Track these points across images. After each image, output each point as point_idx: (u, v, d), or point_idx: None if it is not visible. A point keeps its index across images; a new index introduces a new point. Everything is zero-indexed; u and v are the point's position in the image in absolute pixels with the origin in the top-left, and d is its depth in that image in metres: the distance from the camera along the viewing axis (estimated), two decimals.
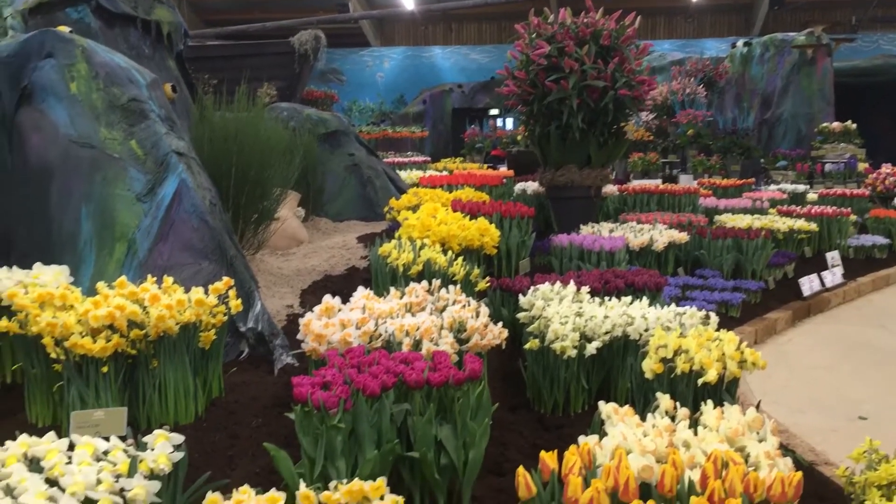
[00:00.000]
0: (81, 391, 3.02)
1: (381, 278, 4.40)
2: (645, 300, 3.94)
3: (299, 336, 3.35)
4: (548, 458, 2.05)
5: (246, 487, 2.06)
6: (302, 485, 2.07)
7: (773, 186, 11.25)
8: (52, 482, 2.23)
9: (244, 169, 5.15)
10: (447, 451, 2.61)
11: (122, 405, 3.07)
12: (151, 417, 3.12)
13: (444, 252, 4.63)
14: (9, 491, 2.19)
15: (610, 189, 8.35)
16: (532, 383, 3.68)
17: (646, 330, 3.59)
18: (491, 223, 5.27)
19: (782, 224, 7.49)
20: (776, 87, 16.05)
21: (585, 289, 4.12)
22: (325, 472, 2.47)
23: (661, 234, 6.35)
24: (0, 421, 3.34)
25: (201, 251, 4.03)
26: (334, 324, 3.27)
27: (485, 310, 3.56)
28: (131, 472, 2.30)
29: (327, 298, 3.44)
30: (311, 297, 4.87)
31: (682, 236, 6.48)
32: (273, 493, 2.03)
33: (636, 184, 9.39)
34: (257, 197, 5.36)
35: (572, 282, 4.23)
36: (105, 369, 3.02)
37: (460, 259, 4.42)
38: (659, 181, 10.60)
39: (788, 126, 15.72)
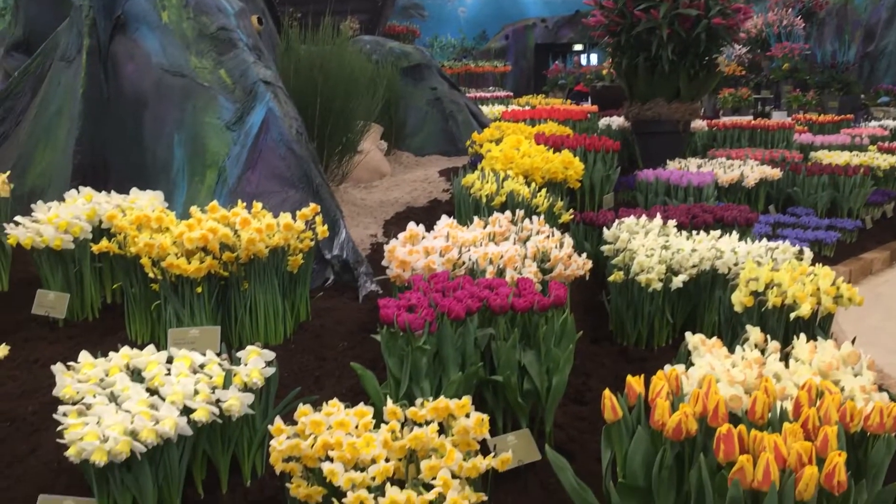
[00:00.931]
0: (177, 310, 3.14)
1: (463, 209, 4.39)
2: (734, 235, 3.83)
3: (384, 262, 3.39)
4: (634, 383, 2.03)
5: (335, 401, 2.11)
6: (389, 401, 2.11)
7: (873, 123, 10.69)
8: (152, 391, 2.35)
9: (328, 100, 5.17)
10: (530, 376, 2.62)
11: (216, 325, 3.18)
12: (242, 337, 3.22)
13: (527, 185, 4.59)
14: (113, 398, 2.31)
15: (698, 124, 8.08)
16: (615, 316, 3.65)
17: (735, 264, 3.50)
18: (575, 157, 5.18)
19: (883, 161, 7.12)
20: (880, 18, 15.12)
21: (672, 223, 4.03)
22: (409, 392, 2.52)
23: (752, 170, 6.14)
24: (102, 337, 3.52)
25: (288, 179, 4.10)
26: (418, 251, 3.30)
27: (569, 240, 3.53)
28: (226, 384, 2.39)
29: (411, 226, 3.46)
30: (393, 227, 4.92)
31: (774, 172, 6.25)
32: (361, 406, 2.08)
33: (726, 120, 9.06)
34: (341, 128, 5.39)
35: (658, 215, 4.15)
36: (199, 290, 3.13)
37: (544, 191, 4.38)
38: (750, 118, 10.20)
39: (892, 60, 14.84)
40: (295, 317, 3.44)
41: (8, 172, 4.13)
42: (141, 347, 2.56)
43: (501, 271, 3.17)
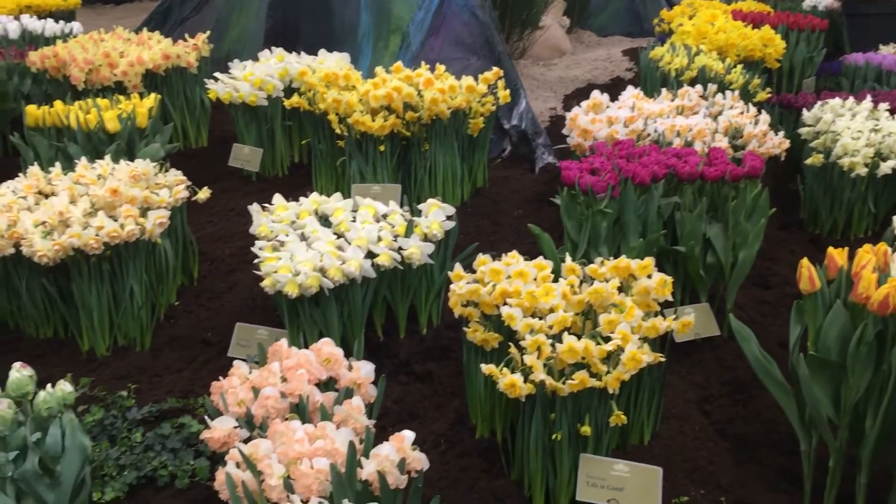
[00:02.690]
0: (361, 166, 3.23)
1: (650, 83, 4.19)
2: None
3: (564, 131, 3.31)
4: (836, 255, 1.89)
5: (514, 252, 2.11)
6: (568, 258, 2.09)
7: None
8: (338, 235, 2.45)
9: None
10: (715, 249, 2.51)
11: (396, 183, 3.25)
12: (421, 197, 3.28)
13: (721, 62, 4.28)
14: (304, 238, 2.44)
15: None
16: (809, 202, 3.40)
17: None
18: (775, 34, 4.76)
19: None
20: None
21: (884, 106, 3.65)
22: (586, 256, 2.48)
23: None
24: (290, 191, 3.69)
25: (470, 46, 4.05)
26: (601, 120, 3.19)
27: (765, 116, 3.28)
28: (408, 233, 2.46)
29: (595, 94, 3.34)
30: (573, 102, 4.78)
31: None
32: (541, 259, 2.08)
33: None
34: (524, 1, 5.23)
35: (869, 98, 3.76)
36: (382, 148, 3.20)
37: (739, 67, 4.08)
38: None
39: None
40: (472, 181, 3.46)
41: (208, 32, 4.33)
42: None
43: (689, 144, 3.01)
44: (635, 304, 1.94)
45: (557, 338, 1.84)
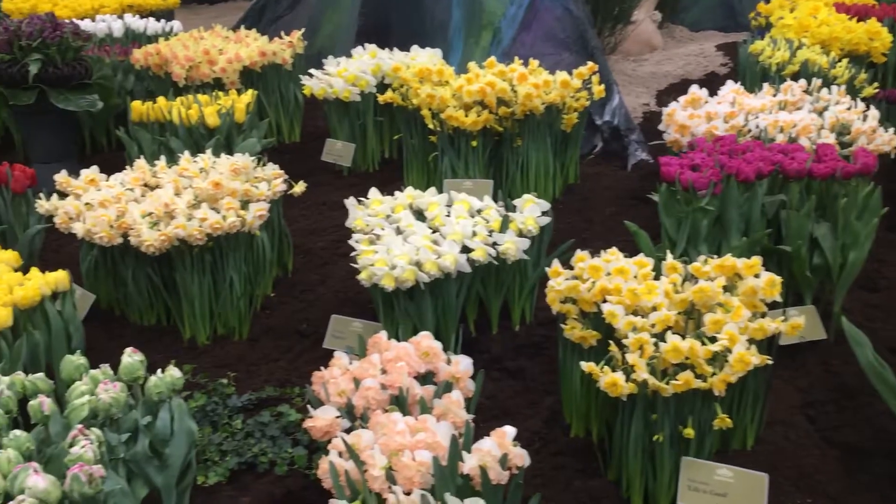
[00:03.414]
0: (453, 161, 3.23)
1: (749, 78, 4.06)
2: None
3: (661, 127, 3.24)
4: None
5: (614, 249, 2.08)
6: (669, 256, 2.04)
7: None
8: (433, 230, 2.45)
9: None
10: (822, 250, 2.41)
11: (488, 179, 3.24)
12: (512, 193, 3.26)
13: (825, 55, 4.12)
14: (399, 232, 2.45)
15: None
16: None
17: None
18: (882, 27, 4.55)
19: None
20: None
21: None
22: (685, 255, 2.42)
23: None
24: (382, 186, 3.71)
25: (563, 41, 4.00)
26: (700, 115, 3.10)
27: (874, 112, 3.14)
28: (503, 229, 2.44)
29: (694, 89, 3.25)
30: (667, 98, 4.67)
31: None
32: (642, 256, 2.03)
33: None
34: None
35: None
36: (474, 143, 3.19)
37: (844, 61, 3.91)
38: None
39: None
40: (564, 178, 3.42)
41: (303, 30, 4.40)
42: None
43: (793, 141, 2.90)
44: (741, 304, 1.87)
45: (659, 337, 1.79)
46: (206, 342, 2.63)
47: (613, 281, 1.94)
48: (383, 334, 1.86)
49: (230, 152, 3.35)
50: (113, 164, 3.43)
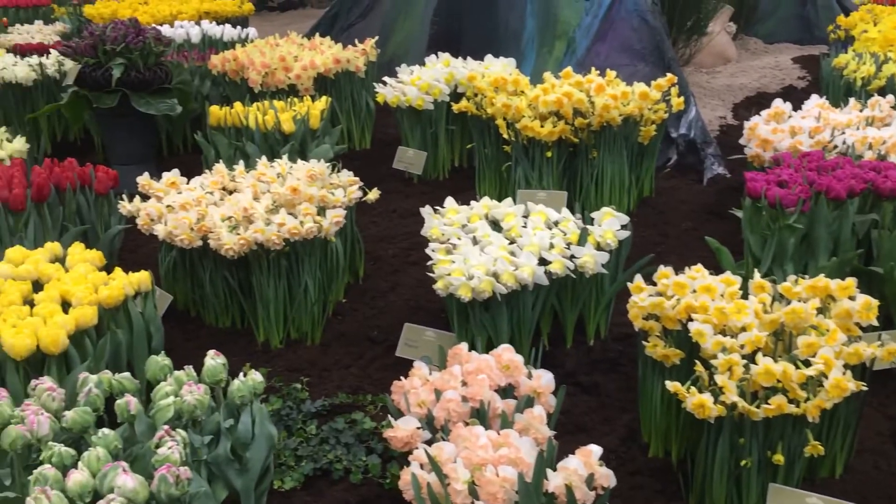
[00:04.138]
0: (526, 172, 3.20)
1: (832, 92, 3.95)
2: None
3: (742, 141, 3.16)
4: None
5: (699, 266, 2.02)
6: (756, 274, 1.98)
7: None
8: (510, 241, 2.43)
9: None
10: None
11: (562, 190, 3.21)
12: (587, 205, 3.22)
13: None
14: (475, 242, 2.43)
15: None
16: None
17: None
18: None
19: None
20: None
21: None
22: (769, 274, 2.35)
23: None
24: (452, 195, 3.71)
25: (639, 52, 3.94)
26: (783, 130, 3.02)
27: None
28: (581, 241, 2.40)
29: (777, 103, 3.17)
30: (744, 111, 4.57)
31: None
32: (728, 274, 1.97)
33: None
34: (692, 6, 5.06)
35: None
36: (549, 154, 3.16)
37: None
38: None
39: None
40: (639, 191, 3.36)
41: (376, 38, 4.43)
42: None
43: (882, 158, 2.80)
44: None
45: (749, 358, 1.74)
46: (280, 346, 2.65)
47: (699, 299, 1.88)
48: (463, 346, 1.84)
49: (304, 158, 3.39)
50: (189, 166, 3.49)
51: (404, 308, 2.88)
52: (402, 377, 2.00)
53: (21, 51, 4.97)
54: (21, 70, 4.34)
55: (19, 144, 3.44)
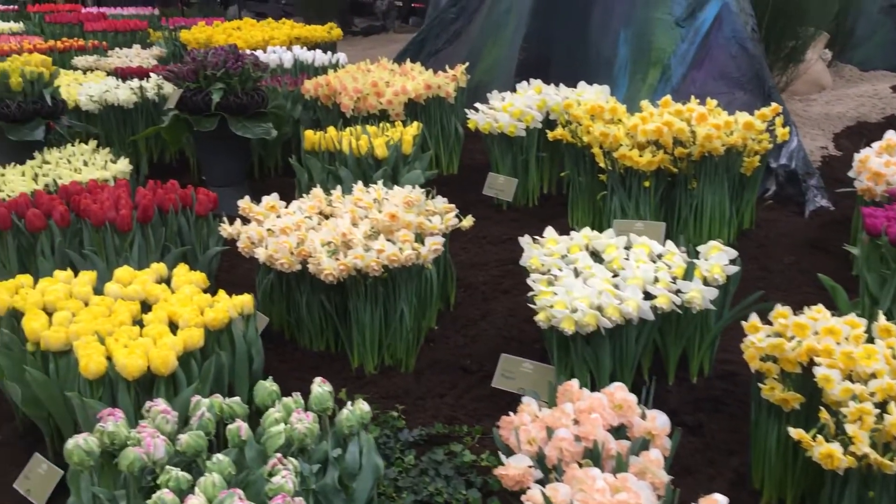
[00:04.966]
0: (623, 201, 3.14)
1: None
2: None
3: (851, 173, 3.04)
4: None
5: (820, 307, 1.93)
6: (881, 317, 1.88)
7: None
8: (612, 273, 2.37)
9: (783, 1, 4.72)
10: None
11: (659, 220, 3.13)
12: (685, 236, 3.13)
13: None
14: (577, 273, 2.38)
15: None
16: None
17: None
18: None
19: None
20: None
21: None
22: (890, 314, 2.24)
23: None
24: (542, 222, 3.65)
25: (737, 80, 3.85)
26: None
27: None
28: (687, 276, 2.33)
29: (890, 134, 3.04)
30: (845, 141, 4.42)
31: None
32: (853, 316, 1.88)
33: None
34: (790, 33, 4.93)
35: None
36: (647, 184, 3.10)
37: None
38: None
39: None
40: (738, 223, 3.26)
41: (466, 64, 4.44)
42: None
43: None
44: None
45: (880, 406, 1.64)
46: (374, 372, 2.64)
47: (823, 342, 1.79)
48: (574, 382, 1.79)
49: (396, 183, 3.40)
50: (280, 188, 3.53)
51: (496, 337, 2.85)
52: (500, 409, 1.96)
53: (122, 74, 5.16)
54: (123, 93, 4.49)
55: (123, 165, 3.54)
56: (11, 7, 8.95)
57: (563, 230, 2.81)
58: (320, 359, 2.74)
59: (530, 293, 2.34)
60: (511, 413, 1.83)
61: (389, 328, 2.62)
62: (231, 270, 3.42)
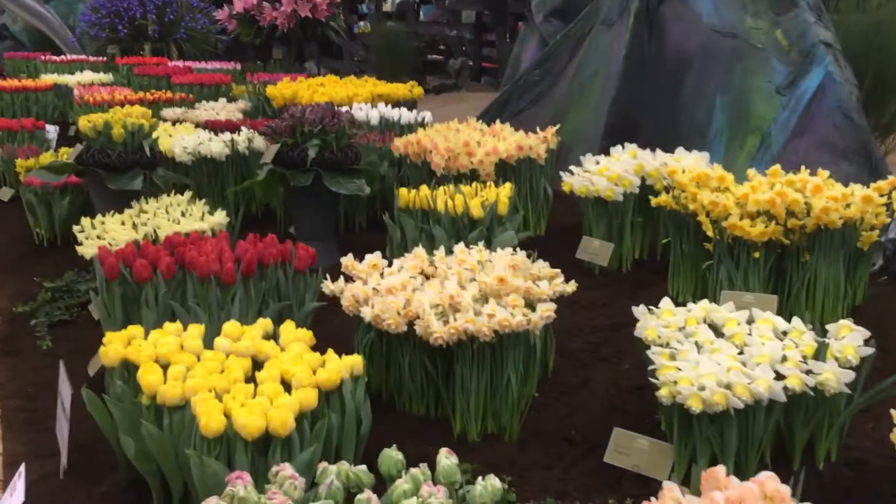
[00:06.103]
0: (730, 272, 3.05)
1: None
2: None
3: None
4: None
5: None
6: None
7: None
8: (738, 350, 2.27)
9: (881, 68, 4.64)
10: None
11: (768, 293, 3.02)
12: (796, 311, 3.01)
13: None
14: (698, 347, 2.29)
15: None
16: None
17: None
18: None
19: None
20: None
21: None
22: None
23: None
24: (636, 289, 3.60)
25: (841, 151, 3.75)
26: None
27: None
28: (818, 356, 2.22)
29: None
30: None
31: None
32: None
33: None
34: (889, 101, 4.82)
35: None
36: (756, 255, 3.00)
37: None
38: None
39: None
40: (852, 299, 3.13)
41: (558, 126, 4.43)
42: (681, 304, 2.53)
43: None
44: None
45: None
46: (476, 439, 2.56)
47: None
48: (721, 469, 1.69)
49: (489, 244, 3.36)
50: (367, 244, 3.53)
51: (598, 407, 2.75)
52: (609, 485, 1.85)
53: (212, 127, 5.27)
54: (216, 146, 4.57)
55: (220, 217, 3.57)
56: (101, 58, 9.29)
57: (660, 297, 2.73)
58: (419, 422, 2.67)
59: (628, 363, 2.25)
60: (627, 495, 1.73)
61: (495, 395, 2.54)
62: (319, 325, 3.39)
